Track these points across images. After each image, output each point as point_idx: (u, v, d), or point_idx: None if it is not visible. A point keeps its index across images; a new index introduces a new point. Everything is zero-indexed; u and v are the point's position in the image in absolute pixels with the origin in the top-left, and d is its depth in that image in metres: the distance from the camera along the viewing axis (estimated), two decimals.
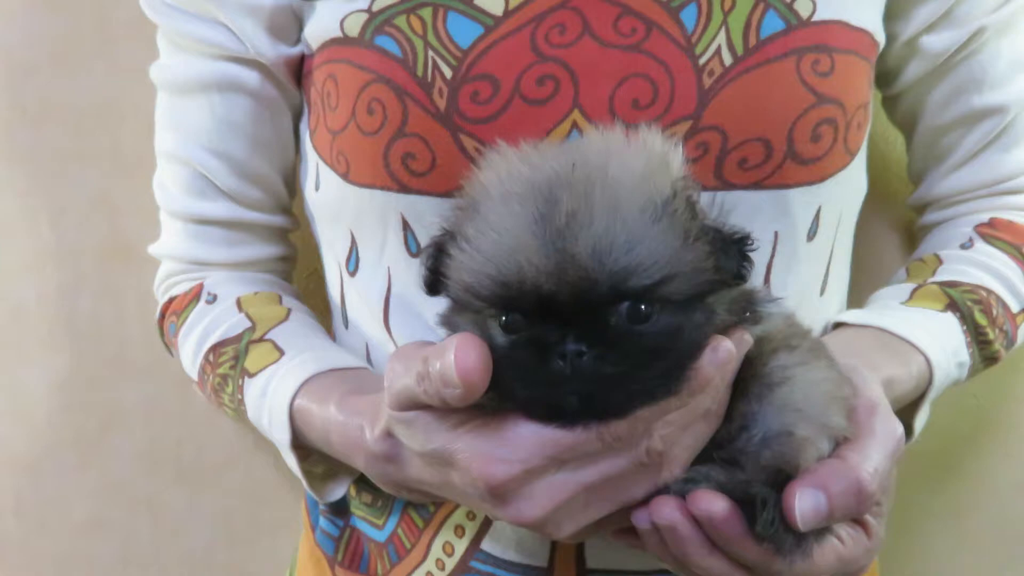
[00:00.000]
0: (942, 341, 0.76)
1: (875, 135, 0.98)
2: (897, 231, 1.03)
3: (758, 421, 0.55)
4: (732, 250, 0.54)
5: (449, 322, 0.59)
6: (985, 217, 0.85)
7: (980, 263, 0.81)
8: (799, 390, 0.56)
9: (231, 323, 0.80)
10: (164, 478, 1.11)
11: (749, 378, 0.56)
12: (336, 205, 0.75)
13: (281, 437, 0.72)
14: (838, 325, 0.78)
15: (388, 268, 0.73)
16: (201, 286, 0.84)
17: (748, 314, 0.56)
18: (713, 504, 0.53)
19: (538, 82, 0.66)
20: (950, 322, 0.78)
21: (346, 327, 0.81)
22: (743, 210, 0.68)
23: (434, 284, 0.57)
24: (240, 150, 0.81)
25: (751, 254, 0.55)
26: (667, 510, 0.54)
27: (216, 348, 0.79)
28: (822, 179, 0.70)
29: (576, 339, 0.50)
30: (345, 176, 0.72)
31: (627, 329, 0.51)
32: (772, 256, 0.71)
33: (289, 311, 0.82)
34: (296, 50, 0.77)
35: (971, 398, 1.03)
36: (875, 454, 0.57)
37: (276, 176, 0.84)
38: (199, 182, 0.82)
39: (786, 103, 0.67)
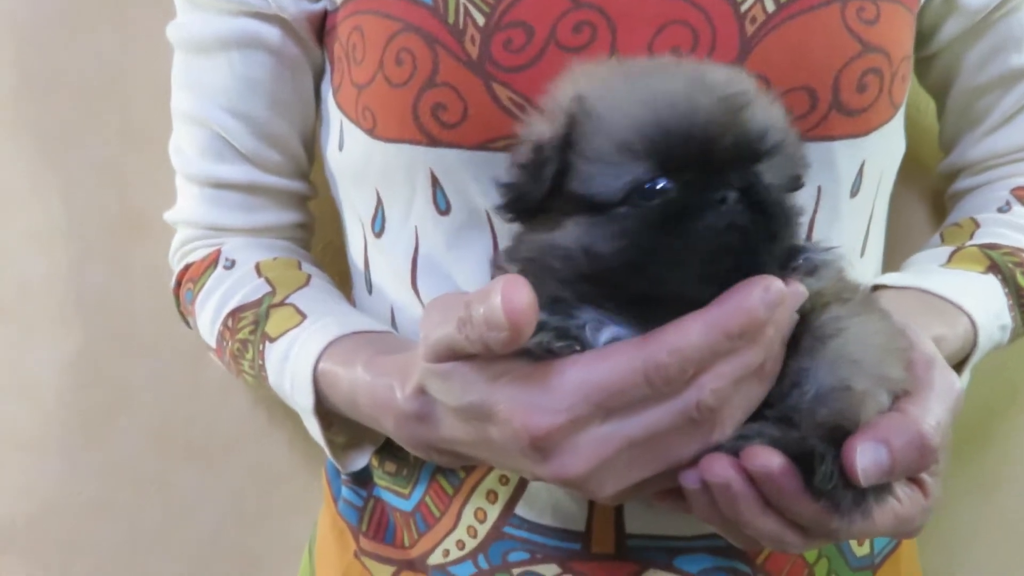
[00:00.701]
0: (985, 303, 0.74)
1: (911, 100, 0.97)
2: (926, 201, 1.01)
3: (811, 377, 0.53)
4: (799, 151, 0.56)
5: (516, 253, 0.56)
6: (1022, 180, 0.83)
7: (1019, 226, 0.79)
8: (854, 342, 0.53)
9: (251, 288, 0.77)
10: (174, 457, 1.08)
11: (801, 334, 0.54)
12: (361, 164, 0.73)
13: (304, 402, 0.70)
14: (877, 288, 0.75)
15: (415, 228, 0.71)
16: (219, 252, 0.82)
17: (801, 261, 0.53)
18: (770, 459, 0.51)
19: (574, 29, 0.63)
20: (992, 284, 0.75)
21: (370, 292, 0.78)
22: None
23: (529, 203, 0.53)
24: (260, 110, 0.78)
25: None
26: (720, 466, 0.51)
27: (235, 313, 0.76)
28: (867, 132, 0.68)
29: (731, 187, 0.50)
30: (371, 132, 0.70)
31: (768, 186, 0.51)
32: (815, 211, 0.68)
33: (309, 277, 0.80)
34: (319, 6, 0.75)
35: (1002, 371, 1.01)
36: (936, 407, 0.54)
37: (296, 139, 0.81)
38: (217, 143, 0.80)
39: (831, 51, 0.65)
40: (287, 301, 0.75)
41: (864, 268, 0.75)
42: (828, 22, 0.64)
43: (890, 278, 0.75)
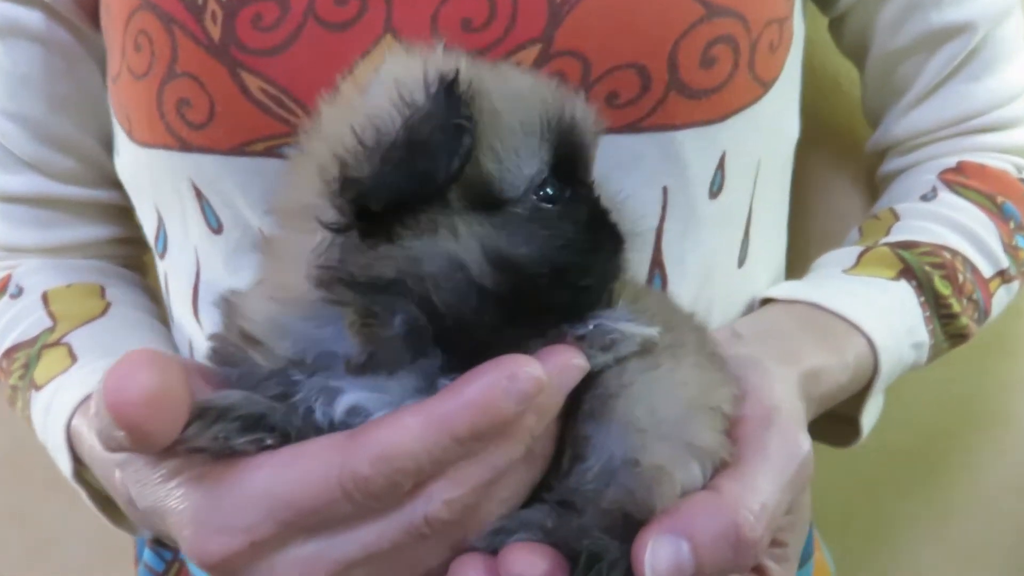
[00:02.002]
0: (891, 317, 0.60)
1: (831, 69, 0.83)
2: (862, 186, 0.87)
3: (595, 448, 0.40)
4: None
5: (347, 274, 0.40)
6: (952, 161, 0.69)
7: (943, 218, 0.66)
8: (643, 401, 0.41)
9: (30, 322, 0.67)
10: (34, 486, 0.99)
11: (583, 391, 0.41)
12: (131, 173, 0.62)
13: (63, 465, 0.59)
14: (767, 302, 0.62)
15: (195, 248, 0.59)
16: (9, 277, 0.71)
17: (591, 328, 0.40)
18: (533, 563, 0.38)
19: (337, 1, 0.51)
20: (903, 292, 0.62)
21: (172, 323, 0.67)
22: (619, 159, 0.53)
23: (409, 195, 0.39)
24: (36, 109, 0.67)
25: None
26: (469, 573, 0.39)
27: (10, 352, 0.66)
28: (723, 116, 0.54)
29: None
30: (130, 134, 0.58)
31: None
32: (662, 219, 0.55)
33: (108, 306, 0.69)
34: None
35: (951, 385, 0.88)
36: (765, 483, 0.42)
37: (89, 141, 0.69)
38: None
39: (665, 17, 0.51)
40: (63, 340, 0.64)
41: (748, 278, 0.62)
42: None
43: (780, 289, 0.62)
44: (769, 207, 0.63)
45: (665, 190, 0.55)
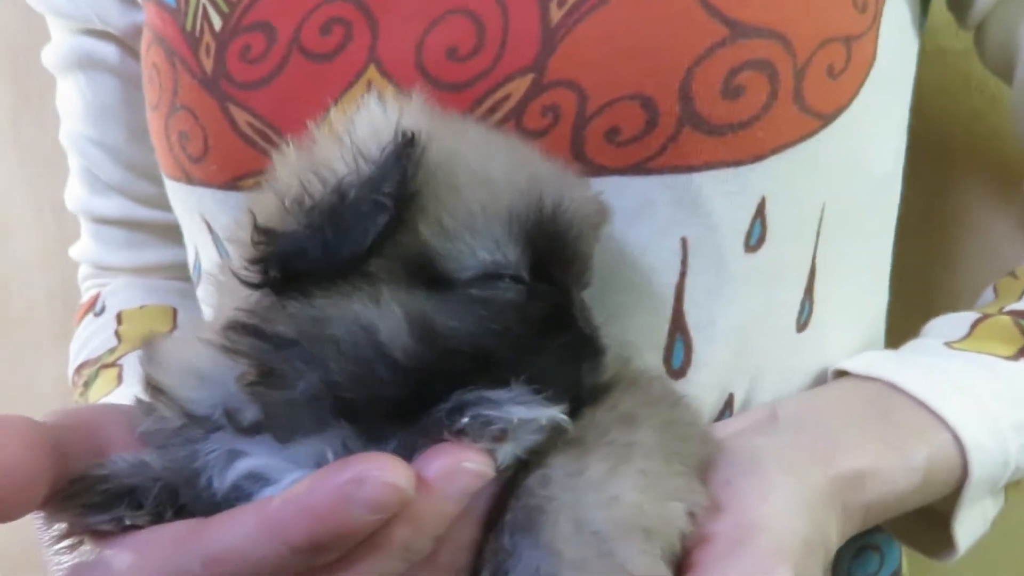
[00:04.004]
0: (996, 408, 0.48)
1: (992, 84, 0.68)
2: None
3: (516, 562, 0.34)
4: None
5: (253, 330, 0.37)
6: None
7: None
8: (565, 518, 0.34)
9: (101, 340, 0.70)
10: None
11: (507, 495, 0.35)
12: (171, 200, 0.62)
13: None
14: (842, 374, 0.52)
15: (214, 279, 0.59)
16: (98, 295, 0.75)
17: (467, 420, 0.33)
18: None
19: (323, 29, 0.48)
20: (1022, 376, 0.49)
21: None
22: (625, 204, 0.45)
23: (320, 263, 0.36)
24: (118, 137, 0.70)
25: None
26: None
27: (80, 369, 0.69)
28: (758, 156, 0.45)
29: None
30: (161, 166, 0.59)
31: None
32: (683, 274, 0.47)
33: (172, 330, 0.70)
34: None
35: None
36: None
37: None
38: (88, 176, 0.73)
39: (676, 41, 0.43)
40: (119, 361, 0.66)
41: (814, 345, 0.52)
42: None
43: (856, 361, 0.51)
44: (847, 261, 0.52)
45: (684, 241, 0.46)
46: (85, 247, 0.77)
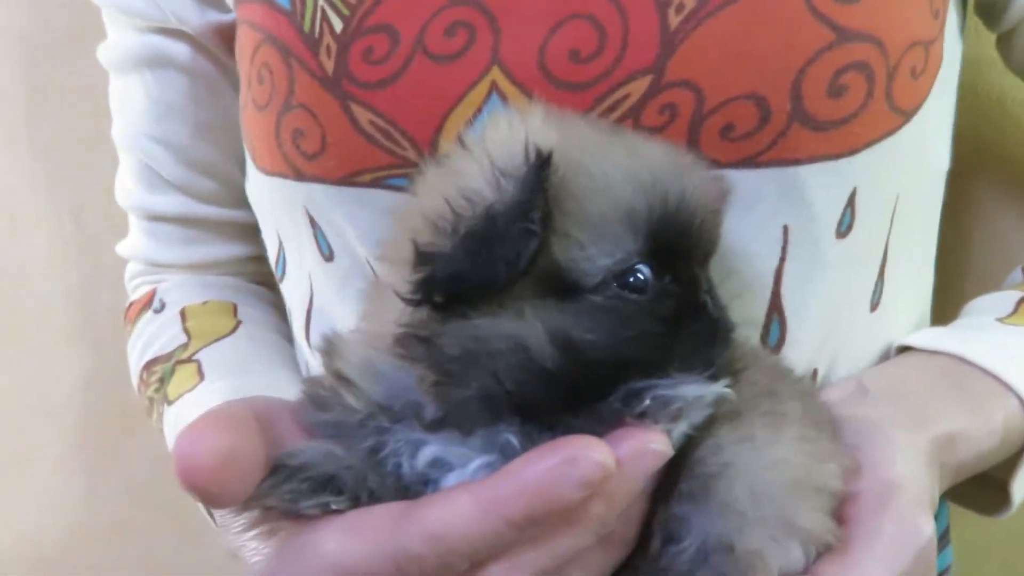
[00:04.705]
0: None
1: (996, 89, 0.75)
2: None
3: (690, 528, 0.38)
4: None
5: (418, 346, 0.39)
6: None
7: None
8: (743, 482, 0.37)
9: (168, 337, 0.70)
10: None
11: (678, 468, 0.39)
12: (257, 197, 0.64)
13: None
14: (904, 350, 0.57)
15: (309, 274, 0.61)
16: (153, 292, 0.75)
17: (648, 402, 0.37)
18: None
19: (447, 32, 0.50)
20: None
21: (294, 342, 0.69)
22: (736, 196, 0.49)
23: (475, 286, 0.38)
24: (182, 135, 0.71)
25: None
26: None
27: (149, 365, 0.70)
28: (854, 150, 0.50)
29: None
30: (255, 161, 0.60)
31: None
32: (782, 260, 0.51)
33: (239, 324, 0.72)
34: (228, 16, 0.66)
35: None
36: (874, 571, 0.38)
37: (230, 164, 0.73)
38: (147, 173, 0.73)
39: (789, 44, 0.48)
40: (195, 357, 0.67)
41: (883, 323, 0.57)
42: (784, 4, 0.47)
43: (920, 337, 0.56)
44: (909, 246, 0.57)
45: (786, 229, 0.51)
46: (137, 244, 0.77)
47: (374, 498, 0.39)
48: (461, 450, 0.39)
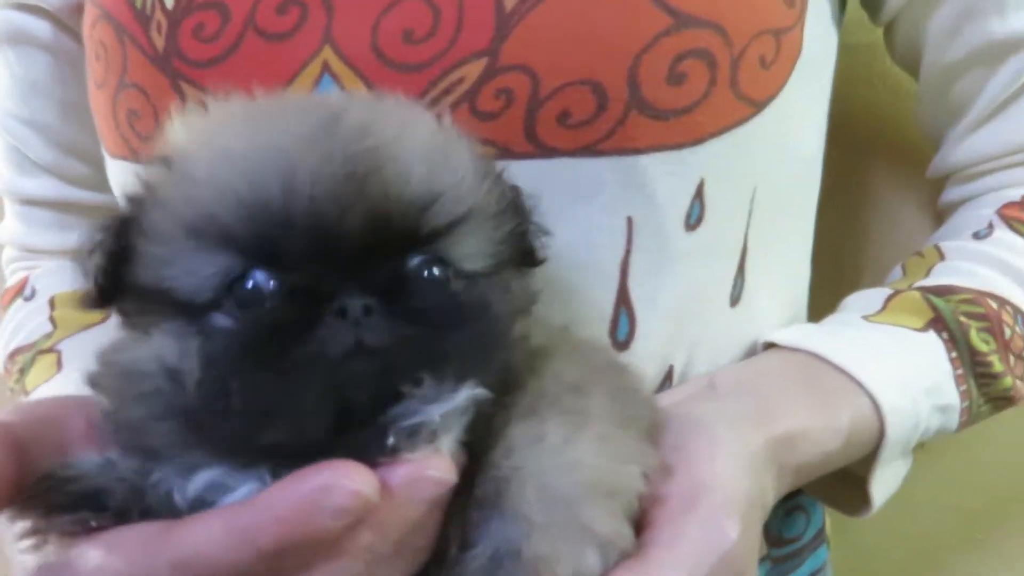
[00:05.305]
0: (908, 375, 0.52)
1: (892, 76, 0.74)
2: (929, 214, 0.77)
3: (484, 534, 0.36)
4: (525, 209, 0.41)
5: (100, 376, 0.40)
6: (1016, 194, 0.59)
7: (994, 259, 0.57)
8: (532, 485, 0.36)
9: (35, 325, 0.68)
10: None
11: (475, 468, 0.37)
12: (112, 183, 0.62)
13: None
14: (769, 347, 0.55)
15: None
16: (26, 279, 0.73)
17: (400, 430, 0.34)
18: None
19: (278, 9, 0.48)
20: (930, 346, 0.54)
21: None
22: (574, 186, 0.48)
23: (106, 288, 0.38)
24: (49, 115, 0.68)
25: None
26: None
27: (13, 355, 0.68)
28: (698, 140, 0.48)
29: (362, 290, 0.35)
30: (103, 144, 0.58)
31: (428, 281, 0.37)
32: (627, 252, 0.50)
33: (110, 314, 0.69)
34: None
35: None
36: (674, 574, 0.36)
37: (99, 147, 0.70)
38: (16, 156, 0.71)
39: (625, 28, 0.46)
40: (56, 347, 0.65)
41: (746, 319, 0.55)
42: None
43: (783, 334, 0.55)
44: (774, 239, 0.56)
45: (630, 220, 0.49)
46: (11, 229, 0.74)
47: (150, 514, 0.36)
48: (235, 472, 0.36)
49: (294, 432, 0.34)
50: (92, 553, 0.35)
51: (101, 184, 0.71)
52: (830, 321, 0.58)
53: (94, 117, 0.59)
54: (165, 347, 0.36)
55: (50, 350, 0.65)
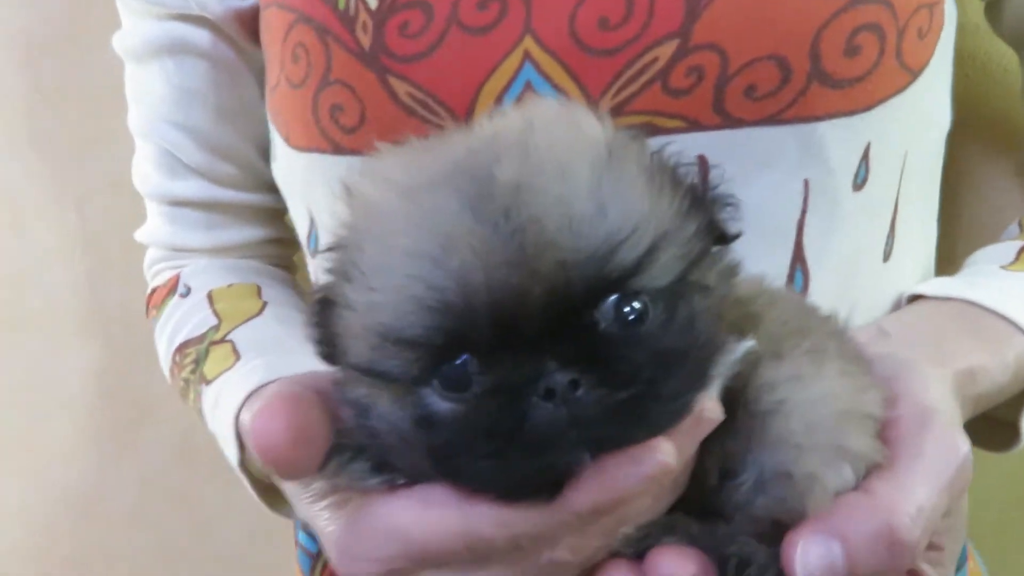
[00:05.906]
0: None
1: (980, 54, 0.78)
2: (1022, 178, 0.82)
3: (747, 463, 0.40)
4: (709, 197, 0.40)
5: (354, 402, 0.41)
6: None
7: None
8: (797, 417, 0.40)
9: (198, 319, 0.72)
10: (199, 472, 1.07)
11: (734, 407, 0.40)
12: (287, 176, 0.66)
13: (230, 455, 0.63)
14: (915, 299, 0.60)
15: None
16: (177, 277, 0.77)
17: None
18: (682, 566, 0.38)
19: (479, 5, 0.53)
20: None
21: None
22: (757, 153, 0.52)
23: (331, 351, 0.41)
24: (203, 121, 0.72)
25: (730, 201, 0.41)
26: None
27: (181, 348, 0.71)
28: (868, 107, 0.53)
29: (562, 365, 0.35)
30: (287, 140, 0.62)
31: (624, 335, 0.36)
32: (803, 212, 0.54)
33: (265, 305, 0.73)
34: (248, 2, 0.68)
35: None
36: (921, 485, 0.40)
37: (249, 149, 0.74)
38: (167, 159, 0.74)
39: (807, 6, 0.51)
40: (228, 338, 0.69)
41: (894, 274, 0.60)
42: None
43: (930, 285, 0.60)
44: (916, 200, 0.61)
45: (807, 183, 0.54)
46: (157, 230, 0.78)
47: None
48: None
49: (528, 497, 0.37)
50: (407, 508, 0.39)
51: (247, 184, 0.76)
52: (968, 273, 0.62)
53: (277, 117, 0.63)
54: (392, 414, 0.38)
55: (222, 341, 0.69)
